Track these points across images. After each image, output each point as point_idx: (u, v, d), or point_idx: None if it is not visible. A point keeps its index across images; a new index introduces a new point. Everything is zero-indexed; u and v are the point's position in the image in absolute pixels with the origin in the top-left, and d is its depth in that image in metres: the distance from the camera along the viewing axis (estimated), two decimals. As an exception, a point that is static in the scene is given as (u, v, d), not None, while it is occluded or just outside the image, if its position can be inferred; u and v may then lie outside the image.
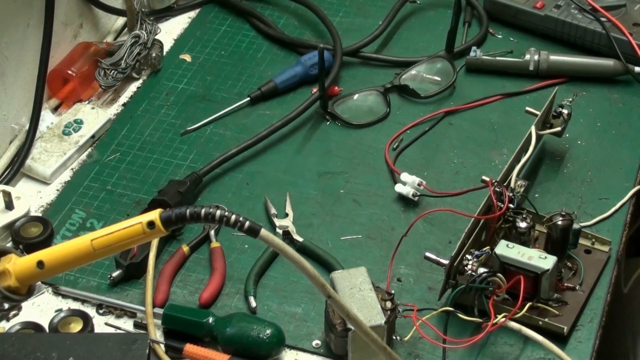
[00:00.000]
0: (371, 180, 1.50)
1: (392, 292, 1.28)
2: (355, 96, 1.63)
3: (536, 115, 1.47)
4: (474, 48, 1.67)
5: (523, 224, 1.33)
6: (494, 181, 1.35)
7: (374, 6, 1.80)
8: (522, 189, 1.39)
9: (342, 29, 1.72)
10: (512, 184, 1.38)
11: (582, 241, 1.38)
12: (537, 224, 1.36)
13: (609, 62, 1.63)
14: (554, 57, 1.65)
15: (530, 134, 1.44)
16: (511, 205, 1.34)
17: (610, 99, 1.62)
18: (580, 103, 1.61)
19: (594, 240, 1.39)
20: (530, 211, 1.36)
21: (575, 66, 1.65)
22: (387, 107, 1.61)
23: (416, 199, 1.46)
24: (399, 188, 1.47)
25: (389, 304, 1.25)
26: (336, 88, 1.64)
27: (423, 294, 1.35)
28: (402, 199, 1.47)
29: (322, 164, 1.54)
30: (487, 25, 1.74)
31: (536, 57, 1.64)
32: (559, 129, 1.49)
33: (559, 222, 1.31)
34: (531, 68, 1.64)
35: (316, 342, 1.30)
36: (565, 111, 1.49)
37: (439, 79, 1.65)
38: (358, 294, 1.25)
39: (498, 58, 1.67)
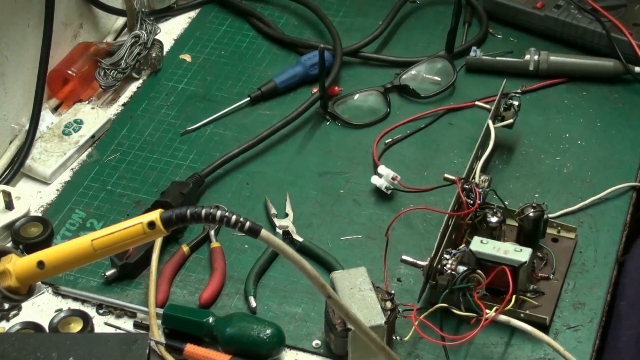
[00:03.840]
0: (370, 180, 1.50)
1: (392, 292, 1.28)
2: (356, 96, 1.63)
3: (488, 109, 1.49)
4: (474, 48, 1.67)
5: (494, 219, 1.34)
6: (460, 178, 1.36)
7: (374, 6, 1.80)
8: (486, 184, 1.39)
9: (342, 29, 1.71)
10: (477, 180, 1.39)
11: (548, 230, 1.39)
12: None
13: (609, 62, 1.63)
14: (554, 57, 1.65)
15: (488, 128, 1.45)
16: (478, 201, 1.35)
17: (610, 99, 1.62)
18: (580, 103, 1.61)
19: (559, 228, 1.40)
20: (499, 206, 1.37)
21: (575, 66, 1.65)
22: (387, 107, 1.61)
23: (389, 192, 1.47)
24: (374, 180, 1.47)
25: (389, 304, 1.26)
26: (336, 88, 1.64)
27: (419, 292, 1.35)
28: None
29: (322, 164, 1.54)
30: (487, 25, 1.74)
31: (536, 57, 1.64)
32: (511, 121, 1.50)
33: (531, 214, 1.33)
34: (531, 68, 1.64)
35: (316, 342, 1.31)
36: (515, 103, 1.49)
37: (439, 79, 1.65)
38: (358, 294, 1.25)
39: (498, 58, 1.67)
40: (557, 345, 1.25)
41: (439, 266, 1.29)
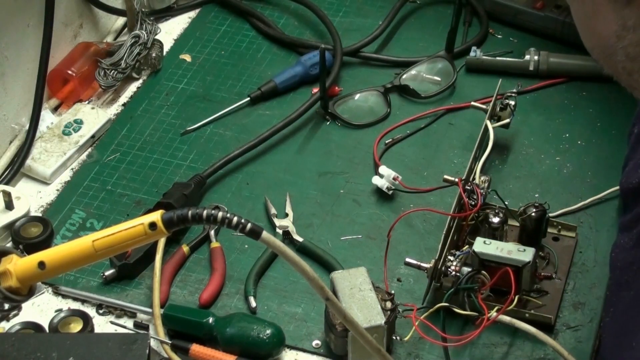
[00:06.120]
0: (371, 180, 1.50)
1: (392, 292, 1.28)
2: (356, 96, 1.63)
3: (484, 110, 1.49)
4: (474, 48, 1.67)
5: (496, 219, 1.34)
6: (461, 179, 1.36)
7: (374, 6, 1.80)
8: (485, 185, 1.40)
9: (342, 29, 1.72)
10: (477, 181, 1.39)
11: (549, 229, 1.39)
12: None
13: (609, 62, 1.63)
14: (554, 57, 1.65)
15: (487, 129, 1.45)
16: (480, 202, 1.35)
17: (610, 99, 1.62)
18: (580, 103, 1.61)
19: (560, 227, 1.41)
20: (500, 206, 1.37)
21: (575, 66, 1.65)
22: (387, 108, 1.61)
23: (390, 192, 1.47)
24: (375, 180, 1.47)
25: (389, 304, 1.26)
26: (336, 88, 1.64)
27: (423, 294, 1.35)
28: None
29: (322, 164, 1.54)
30: (487, 25, 1.74)
31: (536, 57, 1.64)
32: (507, 120, 1.50)
33: (533, 214, 1.33)
34: (531, 68, 1.64)
35: (316, 342, 1.31)
36: (511, 102, 1.50)
37: (439, 79, 1.65)
38: (358, 294, 1.25)
39: (498, 58, 1.67)
40: (559, 347, 1.25)
41: (443, 268, 1.29)
